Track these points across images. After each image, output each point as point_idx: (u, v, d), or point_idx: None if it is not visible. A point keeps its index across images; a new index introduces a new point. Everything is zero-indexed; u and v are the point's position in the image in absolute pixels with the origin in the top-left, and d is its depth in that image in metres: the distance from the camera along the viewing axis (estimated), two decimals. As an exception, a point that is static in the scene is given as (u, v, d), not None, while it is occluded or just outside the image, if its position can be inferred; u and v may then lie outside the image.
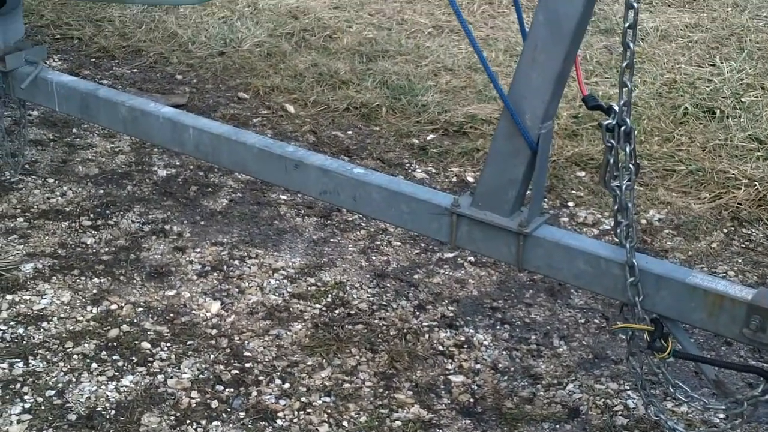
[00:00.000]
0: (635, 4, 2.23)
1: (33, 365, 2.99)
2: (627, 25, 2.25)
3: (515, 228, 2.63)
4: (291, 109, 5.17)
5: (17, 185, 4.13)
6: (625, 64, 2.28)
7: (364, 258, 3.74)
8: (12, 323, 3.19)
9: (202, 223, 3.93)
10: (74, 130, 4.70)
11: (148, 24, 6.23)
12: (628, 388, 3.01)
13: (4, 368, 2.97)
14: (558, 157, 4.60)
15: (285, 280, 3.56)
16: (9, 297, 3.33)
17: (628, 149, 2.36)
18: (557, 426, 2.86)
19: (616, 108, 2.34)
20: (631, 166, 2.36)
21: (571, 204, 4.24)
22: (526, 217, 2.63)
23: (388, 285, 3.57)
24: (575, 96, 5.06)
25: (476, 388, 3.02)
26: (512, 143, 2.57)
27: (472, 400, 2.96)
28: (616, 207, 2.42)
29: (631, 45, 2.26)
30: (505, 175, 2.62)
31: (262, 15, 6.52)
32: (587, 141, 4.74)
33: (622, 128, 2.35)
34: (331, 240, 3.86)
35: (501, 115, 2.61)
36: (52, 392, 2.88)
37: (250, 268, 3.63)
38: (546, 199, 4.25)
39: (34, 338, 3.12)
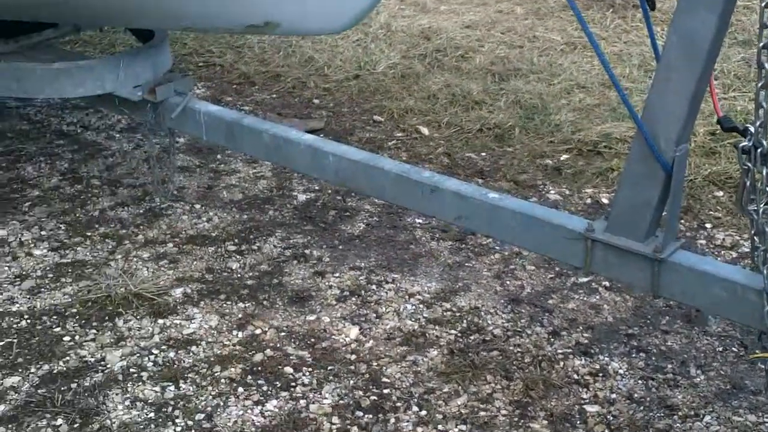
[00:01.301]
0: (770, 23, 2.21)
1: (183, 389, 3.16)
2: (762, 45, 2.23)
3: (650, 253, 2.64)
4: (425, 131, 5.26)
5: (166, 211, 4.35)
6: (760, 84, 2.25)
7: (499, 283, 3.80)
8: (163, 347, 3.37)
9: (341, 247, 4.06)
10: (218, 156, 4.90)
11: (285, 49, 6.44)
12: None
13: (157, 391, 3.14)
14: (695, 176, 4.55)
15: (421, 305, 3.64)
16: (161, 321, 3.52)
17: (765, 171, 2.33)
18: (694, 458, 2.86)
19: (752, 129, 2.31)
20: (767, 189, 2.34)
21: (708, 225, 4.20)
22: (662, 242, 2.63)
23: (523, 311, 3.61)
24: (712, 112, 4.95)
25: (611, 418, 3.04)
26: (646, 166, 2.57)
27: (607, 430, 2.98)
28: (753, 231, 2.40)
29: (766, 65, 2.24)
30: (639, 199, 2.63)
31: (395, 37, 6.64)
32: (725, 159, 4.68)
33: (759, 150, 2.33)
34: (466, 264, 3.93)
35: (634, 138, 2.61)
36: (202, 416, 3.03)
37: (387, 293, 3.73)
38: (682, 221, 4.22)
39: (184, 362, 3.29)
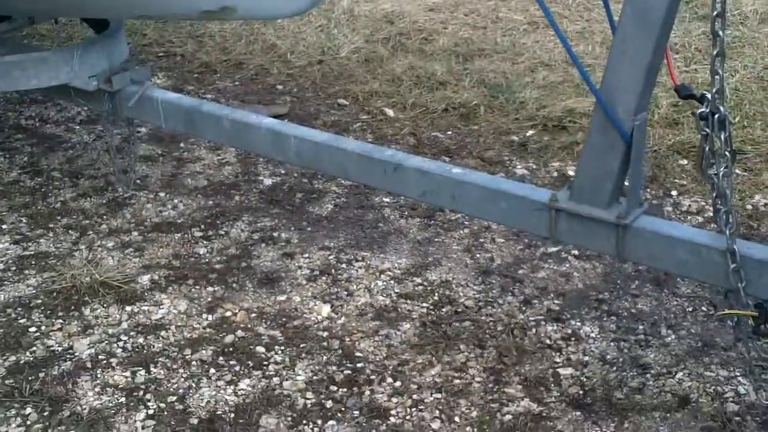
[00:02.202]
0: (723, -7, 2.23)
1: (154, 373, 3.13)
2: (715, 13, 2.25)
3: (614, 220, 2.65)
4: (390, 112, 5.24)
5: (130, 201, 4.30)
6: (715, 52, 2.29)
7: (469, 256, 3.79)
8: (132, 333, 3.34)
9: (309, 229, 4.03)
10: (182, 145, 4.86)
11: (247, 37, 6.39)
12: (739, 374, 2.98)
13: (127, 377, 3.11)
14: (659, 147, 4.57)
15: (392, 281, 3.63)
16: (128, 308, 3.48)
17: (723, 137, 2.36)
18: (668, 415, 2.86)
19: (709, 96, 2.33)
20: (726, 153, 2.36)
21: (674, 193, 4.21)
22: (625, 208, 2.65)
23: (494, 281, 3.60)
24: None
25: (585, 379, 3.04)
26: (606, 137, 2.60)
27: (581, 391, 2.98)
28: (714, 194, 2.43)
29: (721, 33, 2.27)
30: (601, 168, 2.64)
31: (359, 21, 6.62)
32: (688, 129, 4.69)
33: (716, 116, 2.35)
34: (435, 240, 3.92)
35: (594, 109, 2.63)
36: (174, 398, 3.00)
37: (357, 270, 3.71)
38: (649, 189, 4.23)
39: (154, 347, 3.26)
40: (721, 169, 2.40)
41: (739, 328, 2.55)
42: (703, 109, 2.38)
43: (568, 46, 2.62)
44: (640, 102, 2.54)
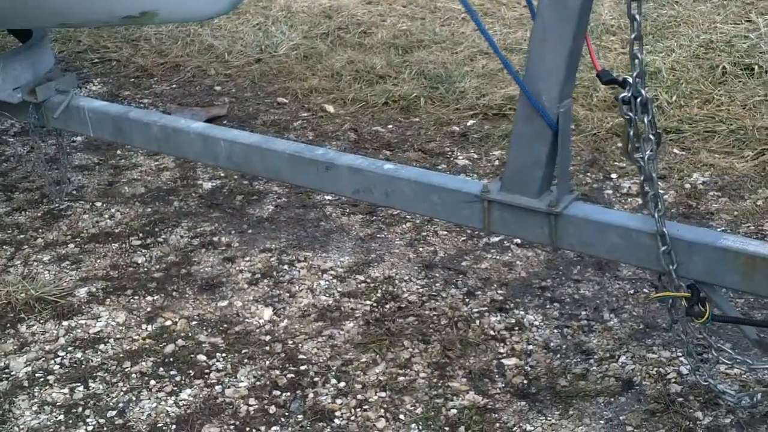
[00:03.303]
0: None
1: (93, 388, 3.07)
2: None
3: (545, 208, 2.65)
4: (330, 108, 5.21)
5: (66, 212, 4.22)
6: (633, 36, 2.28)
7: (412, 250, 3.76)
8: (70, 348, 3.27)
9: (250, 231, 3.99)
10: (119, 152, 4.79)
11: (183, 39, 6.32)
12: (681, 355, 2.98)
13: (65, 393, 3.04)
14: (598, 130, 4.57)
15: (335, 280, 3.59)
16: (65, 323, 3.41)
17: (646, 120, 2.36)
18: (612, 399, 2.86)
19: (630, 80, 2.33)
20: (651, 136, 2.36)
21: (614, 176, 4.22)
22: (556, 196, 2.64)
23: (437, 275, 3.58)
24: (611, 68, 5.01)
25: (529, 369, 3.03)
26: (532, 125, 2.59)
27: (526, 381, 2.97)
28: (642, 178, 2.42)
29: (638, 17, 2.26)
30: (529, 158, 2.63)
31: (296, 18, 6.57)
32: (626, 111, 4.70)
33: (638, 99, 2.34)
34: (378, 236, 3.89)
35: (519, 99, 2.62)
36: (114, 413, 2.94)
37: (299, 271, 3.67)
38: (588, 173, 4.24)
39: (92, 361, 3.20)
40: (647, 153, 2.39)
41: (674, 310, 2.54)
42: (625, 93, 2.36)
43: (484, 30, 2.64)
44: (563, 89, 2.53)
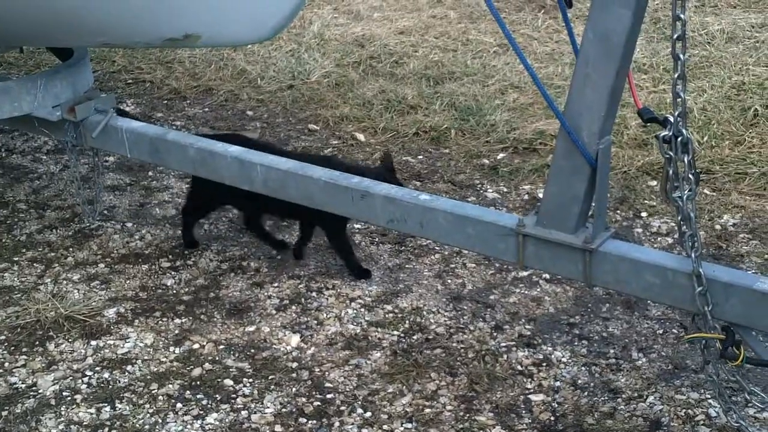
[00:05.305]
0: (682, 16, 2.22)
1: (120, 408, 3.07)
2: (675, 36, 2.25)
3: (581, 245, 2.64)
4: (361, 137, 5.23)
5: (97, 231, 4.25)
6: (676, 75, 2.28)
7: (440, 282, 3.76)
8: (97, 368, 3.28)
9: (279, 257, 3.99)
10: (150, 173, 4.82)
11: (217, 63, 6.37)
12: (709, 396, 2.96)
13: (91, 413, 3.05)
14: (629, 168, 4.57)
15: (362, 309, 3.59)
16: (93, 343, 3.42)
17: (686, 159, 2.35)
18: (640, 440, 2.84)
19: (671, 119, 2.32)
20: (690, 176, 2.35)
21: (644, 214, 4.20)
22: (591, 233, 2.63)
23: (465, 307, 3.58)
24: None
25: (557, 405, 3.01)
26: (571, 161, 2.58)
27: (552, 418, 2.95)
28: (679, 217, 2.41)
29: (681, 56, 2.26)
30: (567, 193, 2.63)
31: (329, 45, 6.61)
32: (657, 150, 4.67)
33: (679, 139, 2.34)
34: (407, 266, 3.89)
35: (558, 134, 2.62)
36: (140, 434, 2.96)
37: (327, 299, 3.67)
38: (618, 211, 4.23)
39: (119, 382, 3.20)
40: (686, 192, 2.38)
41: (707, 352, 2.53)
42: (666, 133, 2.36)
43: (531, 70, 2.61)
44: (604, 125, 2.53)
